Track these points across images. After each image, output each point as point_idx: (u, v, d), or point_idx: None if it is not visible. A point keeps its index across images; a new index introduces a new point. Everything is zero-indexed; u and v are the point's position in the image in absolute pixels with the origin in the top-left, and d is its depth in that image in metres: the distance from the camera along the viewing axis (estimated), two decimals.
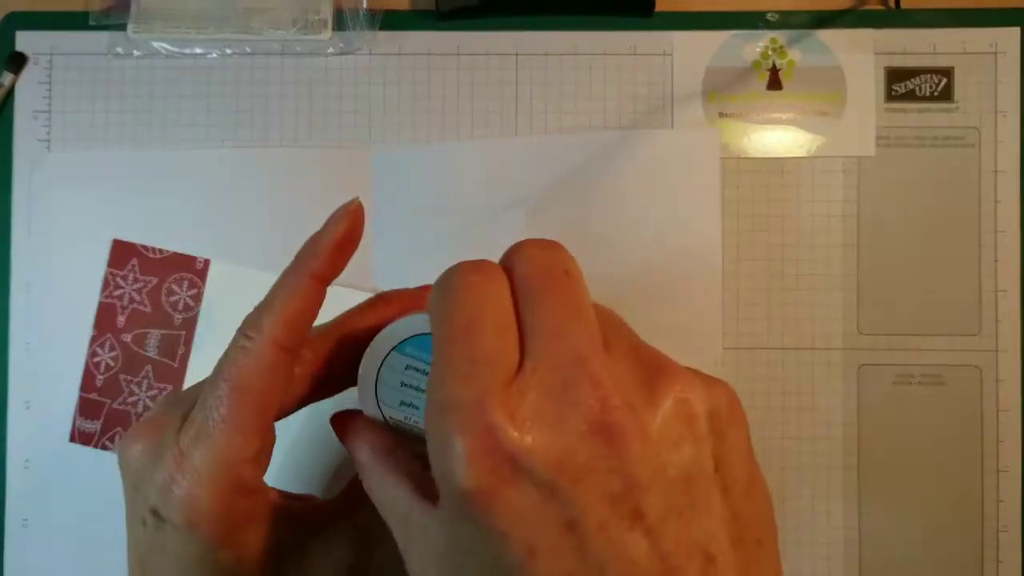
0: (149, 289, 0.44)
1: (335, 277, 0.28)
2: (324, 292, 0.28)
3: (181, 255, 0.44)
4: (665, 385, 0.21)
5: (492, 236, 0.44)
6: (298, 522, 0.29)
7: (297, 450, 0.43)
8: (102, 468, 0.43)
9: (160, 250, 0.44)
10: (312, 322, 0.28)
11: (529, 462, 0.20)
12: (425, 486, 0.23)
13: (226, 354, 0.27)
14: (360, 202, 0.28)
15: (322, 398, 0.29)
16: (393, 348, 0.26)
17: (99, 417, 0.43)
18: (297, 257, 0.28)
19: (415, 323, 0.26)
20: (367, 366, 0.27)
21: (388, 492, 0.25)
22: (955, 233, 0.45)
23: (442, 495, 0.21)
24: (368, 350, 0.27)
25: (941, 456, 0.44)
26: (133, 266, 0.44)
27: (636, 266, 0.44)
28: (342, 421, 0.28)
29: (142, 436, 0.27)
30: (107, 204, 0.44)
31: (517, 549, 0.20)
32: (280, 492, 0.29)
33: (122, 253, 0.44)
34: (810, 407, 0.45)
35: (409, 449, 0.26)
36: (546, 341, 0.21)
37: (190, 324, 0.44)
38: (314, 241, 0.28)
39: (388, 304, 0.30)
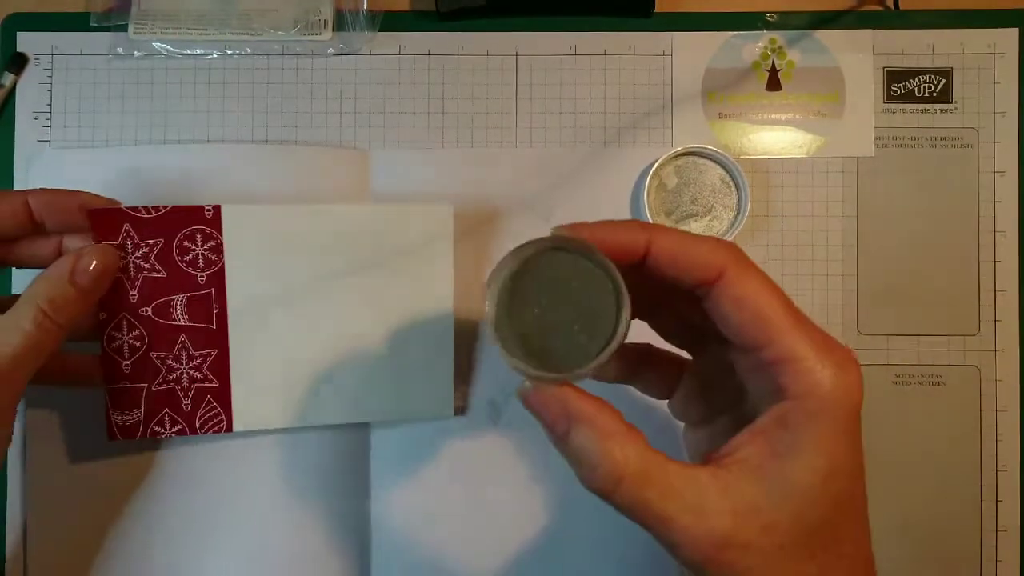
0: (157, 253, 0.39)
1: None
2: None
3: (183, 208, 0.39)
4: None
5: (492, 236, 0.44)
6: None
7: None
8: (104, 469, 0.43)
9: (156, 207, 0.39)
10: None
11: None
12: None
13: None
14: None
15: None
16: None
17: (138, 405, 0.39)
18: None
19: None
20: None
21: None
22: (954, 233, 0.45)
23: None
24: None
25: (941, 456, 0.44)
26: (127, 232, 0.38)
27: None
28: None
29: None
30: None
31: None
32: None
33: (106, 222, 0.38)
34: None
35: None
36: None
37: (218, 280, 0.40)
38: None
39: None
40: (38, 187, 0.37)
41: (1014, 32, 0.45)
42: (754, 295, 0.26)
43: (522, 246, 0.26)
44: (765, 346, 0.26)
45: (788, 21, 0.46)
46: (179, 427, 0.40)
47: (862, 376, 0.26)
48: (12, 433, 0.35)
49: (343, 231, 0.41)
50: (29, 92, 0.45)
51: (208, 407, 0.40)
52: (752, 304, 0.26)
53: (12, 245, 0.38)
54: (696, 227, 0.45)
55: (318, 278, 0.41)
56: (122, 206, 0.38)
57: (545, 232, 0.27)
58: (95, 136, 0.45)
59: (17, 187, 0.44)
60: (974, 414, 0.45)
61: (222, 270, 0.40)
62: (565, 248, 0.26)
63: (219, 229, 0.39)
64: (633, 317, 0.27)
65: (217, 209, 0.39)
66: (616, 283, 0.25)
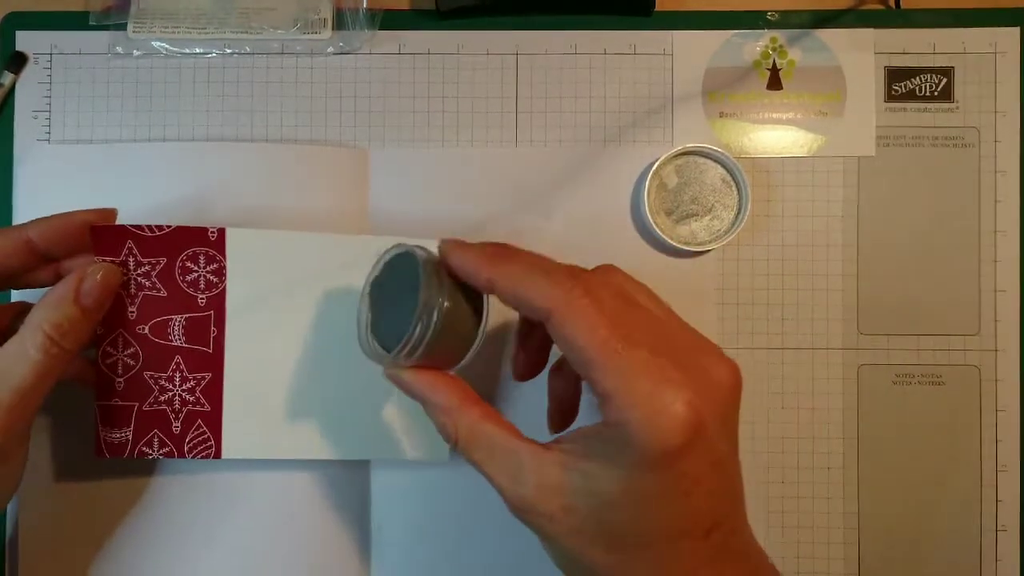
0: (159, 271, 0.38)
1: None
2: None
3: (188, 228, 0.38)
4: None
5: (491, 236, 0.44)
6: None
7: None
8: (95, 489, 0.43)
9: (160, 227, 0.38)
10: None
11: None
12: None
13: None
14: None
15: None
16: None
17: (128, 424, 0.39)
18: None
19: None
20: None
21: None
22: (955, 233, 0.45)
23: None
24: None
25: (940, 456, 0.44)
26: (130, 249, 0.38)
27: (635, 262, 0.45)
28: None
29: None
30: (107, 204, 0.44)
31: None
32: None
33: (109, 239, 0.37)
34: (810, 407, 0.45)
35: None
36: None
37: (218, 303, 0.39)
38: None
39: None
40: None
41: (1015, 31, 0.45)
42: (574, 338, 0.28)
43: (381, 255, 0.33)
44: (588, 380, 0.28)
45: (789, 20, 0.46)
46: (167, 449, 0.39)
47: (681, 421, 0.27)
48: (26, 459, 0.36)
49: (350, 261, 0.40)
50: (28, 91, 0.45)
51: (198, 431, 0.39)
52: (572, 345, 0.28)
53: (16, 277, 0.37)
54: (696, 227, 0.45)
55: (320, 308, 0.40)
56: (120, 220, 0.38)
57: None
58: (94, 135, 0.45)
59: (17, 186, 0.44)
60: (974, 414, 0.45)
61: (223, 293, 0.39)
62: (410, 254, 0.32)
63: (223, 252, 0.39)
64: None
65: (222, 232, 0.39)
66: (419, 285, 0.30)
